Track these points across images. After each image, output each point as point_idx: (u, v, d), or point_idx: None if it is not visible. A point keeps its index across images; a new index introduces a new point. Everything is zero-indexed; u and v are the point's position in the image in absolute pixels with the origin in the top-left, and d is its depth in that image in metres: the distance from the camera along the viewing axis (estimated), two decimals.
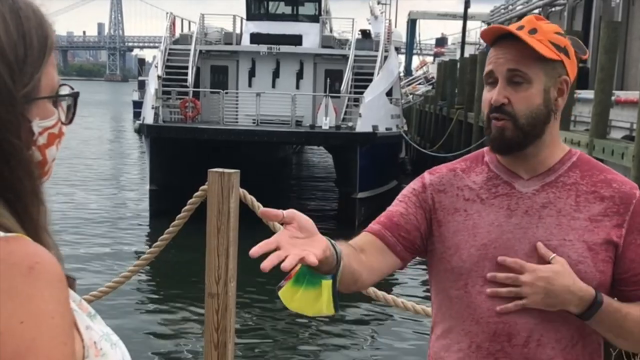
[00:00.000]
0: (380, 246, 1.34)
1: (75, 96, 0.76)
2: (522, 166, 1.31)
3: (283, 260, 1.08)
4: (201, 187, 2.60)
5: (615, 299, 1.28)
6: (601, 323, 1.24)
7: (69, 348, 0.64)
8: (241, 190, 2.57)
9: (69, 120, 0.75)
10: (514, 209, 1.30)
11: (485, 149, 1.40)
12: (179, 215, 2.75)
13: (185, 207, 2.70)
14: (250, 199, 2.64)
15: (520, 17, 23.59)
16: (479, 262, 1.29)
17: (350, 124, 14.97)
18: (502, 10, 26.52)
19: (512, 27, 1.29)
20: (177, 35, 17.69)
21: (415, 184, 1.41)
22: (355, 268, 1.26)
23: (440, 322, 1.37)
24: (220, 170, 2.51)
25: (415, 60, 47.48)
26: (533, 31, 1.27)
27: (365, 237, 1.36)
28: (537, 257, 1.26)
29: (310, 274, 1.17)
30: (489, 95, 1.30)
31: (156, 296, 9.43)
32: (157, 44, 26.78)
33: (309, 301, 1.18)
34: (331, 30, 20.21)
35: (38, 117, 0.71)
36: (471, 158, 1.41)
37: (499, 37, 1.29)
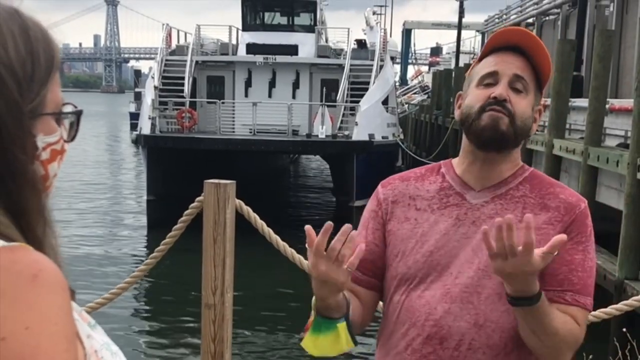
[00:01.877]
0: (358, 289, 1.39)
1: (78, 114, 0.78)
2: (477, 177, 1.34)
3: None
4: (197, 198, 2.61)
5: None
6: (529, 318, 1.22)
7: (72, 355, 0.65)
8: (237, 200, 2.58)
9: (71, 138, 0.78)
10: (462, 219, 1.32)
11: (443, 161, 1.42)
12: (175, 227, 2.75)
13: (181, 219, 2.71)
14: (247, 209, 2.65)
15: (514, 26, 23.84)
16: (423, 268, 1.32)
17: (346, 132, 15.01)
18: (497, 20, 26.65)
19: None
20: (173, 46, 17.76)
21: (371, 203, 1.43)
22: (356, 312, 1.36)
23: (383, 329, 1.40)
24: (216, 181, 2.52)
25: (411, 70, 47.69)
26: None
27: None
28: (477, 264, 1.28)
29: (324, 321, 1.28)
30: (487, 92, 1.29)
31: (153, 307, 9.40)
32: (153, 55, 26.87)
33: (329, 344, 1.29)
34: (327, 40, 20.30)
35: (42, 132, 0.73)
36: (427, 168, 1.43)
37: (506, 47, 1.31)
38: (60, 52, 0.75)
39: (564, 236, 1.14)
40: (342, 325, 1.28)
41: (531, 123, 1.32)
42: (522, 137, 1.31)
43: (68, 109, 0.77)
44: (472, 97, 1.32)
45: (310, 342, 1.30)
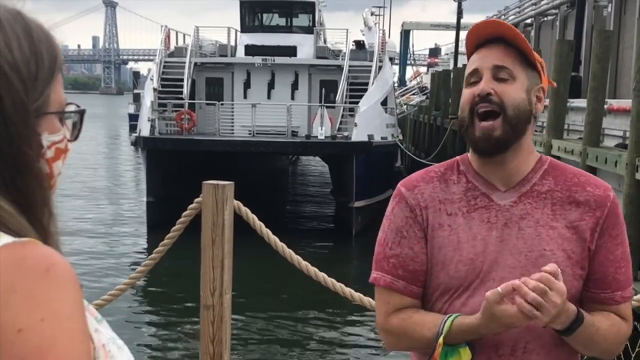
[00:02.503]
0: (414, 302, 1.36)
1: (81, 113, 0.80)
2: (498, 176, 1.32)
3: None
4: (195, 200, 2.61)
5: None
6: (577, 337, 1.26)
7: (86, 346, 0.67)
8: (235, 202, 2.58)
9: (75, 137, 0.79)
10: (494, 222, 1.31)
11: (459, 158, 1.39)
12: (173, 228, 2.76)
13: (180, 220, 2.71)
14: (245, 210, 2.65)
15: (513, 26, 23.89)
16: (467, 277, 1.30)
17: (346, 133, 15.01)
18: None
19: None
20: (172, 48, 17.76)
21: (400, 207, 1.36)
22: None
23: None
24: (215, 182, 2.52)
25: (409, 71, 47.70)
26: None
27: (403, 300, 1.36)
28: (519, 269, 1.27)
29: (450, 349, 1.28)
30: (473, 91, 1.29)
31: (152, 308, 9.40)
32: (151, 57, 26.88)
33: None
34: (325, 42, 20.31)
35: (47, 131, 0.74)
36: (445, 165, 1.40)
37: (485, 42, 1.30)
38: (62, 53, 0.77)
39: (553, 267, 1.18)
40: (464, 350, 1.28)
41: (528, 105, 1.30)
42: (522, 124, 1.29)
43: (71, 108, 0.79)
44: (462, 99, 1.33)
45: None
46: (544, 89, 1.34)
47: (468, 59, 1.34)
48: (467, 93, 1.31)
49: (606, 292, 1.32)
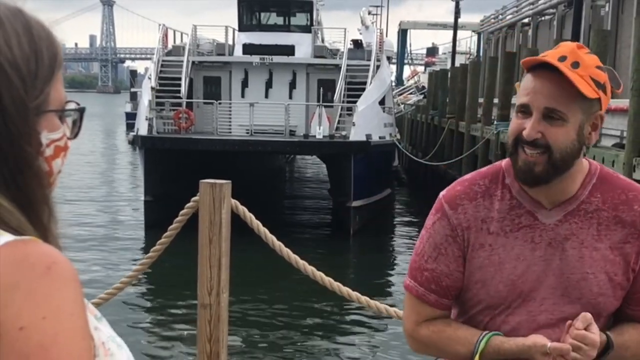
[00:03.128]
0: (445, 313, 1.40)
1: (81, 111, 0.80)
2: (544, 194, 1.30)
3: None
4: (193, 198, 2.60)
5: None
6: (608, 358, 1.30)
7: (88, 343, 0.68)
8: (233, 201, 2.58)
9: (74, 135, 0.79)
10: (537, 242, 1.30)
11: (505, 166, 1.34)
12: (170, 227, 2.75)
13: (177, 219, 2.71)
14: (242, 209, 2.65)
15: (510, 26, 23.72)
16: (508, 297, 1.31)
17: (343, 133, 15.01)
18: (492, 20, 26.73)
19: (554, 57, 1.23)
20: (169, 46, 17.73)
21: (442, 225, 1.35)
22: None
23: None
24: (212, 181, 2.52)
25: (407, 70, 47.73)
26: (575, 65, 1.22)
27: (434, 312, 1.38)
28: (561, 290, 1.29)
29: None
30: (521, 125, 1.25)
31: (149, 307, 9.39)
32: (149, 56, 26.85)
33: None
34: (323, 41, 20.31)
35: (46, 129, 0.74)
36: (490, 176, 1.35)
37: (538, 65, 1.25)
38: (62, 51, 0.77)
39: (587, 315, 1.22)
40: None
41: (578, 144, 1.26)
42: (567, 163, 1.26)
43: (71, 106, 0.78)
44: (511, 124, 1.30)
45: None
46: (603, 116, 1.29)
47: (524, 71, 1.29)
48: (515, 124, 1.27)
49: (638, 310, 1.32)
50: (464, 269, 1.34)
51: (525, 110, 1.25)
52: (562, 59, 1.23)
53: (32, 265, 0.65)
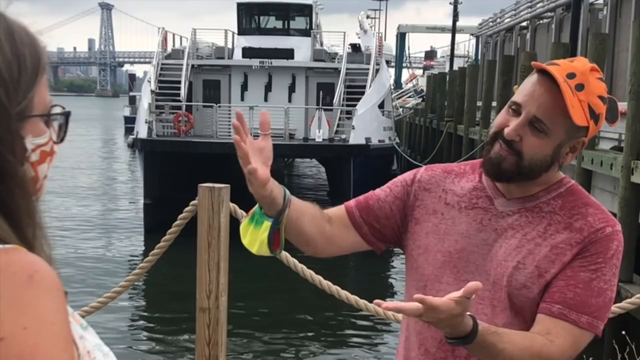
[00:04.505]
0: (346, 222, 1.42)
1: (66, 115, 0.78)
2: (509, 187, 1.32)
3: None
4: (191, 202, 2.61)
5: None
6: (471, 351, 1.22)
7: (70, 354, 0.66)
8: (231, 204, 2.58)
9: (61, 139, 0.78)
10: (485, 225, 1.32)
11: None
12: (169, 230, 2.76)
13: (176, 222, 2.71)
14: (241, 213, 2.65)
15: (508, 29, 23.76)
16: (441, 268, 1.33)
17: (343, 136, 15.03)
18: (491, 23, 26.77)
19: (563, 72, 1.23)
20: (169, 50, 17.76)
21: (407, 175, 1.44)
22: (307, 229, 1.35)
23: (404, 320, 1.42)
24: (211, 185, 2.52)
25: (405, 74, 47.79)
26: (580, 87, 1.22)
27: (338, 211, 1.45)
28: (493, 276, 1.28)
29: (260, 214, 1.30)
30: (504, 121, 1.27)
31: (148, 310, 9.38)
32: (147, 60, 26.88)
33: (254, 239, 1.30)
34: (322, 44, 20.34)
35: (31, 134, 0.73)
36: (471, 164, 1.42)
37: (545, 71, 1.25)
38: (47, 56, 0.76)
39: (478, 284, 1.10)
40: (267, 225, 1.28)
41: (550, 161, 1.26)
42: (534, 173, 1.27)
43: (56, 110, 0.77)
44: (498, 116, 1.30)
45: (243, 230, 1.32)
46: (585, 142, 1.29)
47: (522, 74, 1.30)
48: (502, 118, 1.28)
49: (546, 301, 1.25)
50: (395, 212, 1.39)
51: (516, 109, 1.27)
52: (571, 76, 1.23)
53: (14, 274, 0.64)
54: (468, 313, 1.15)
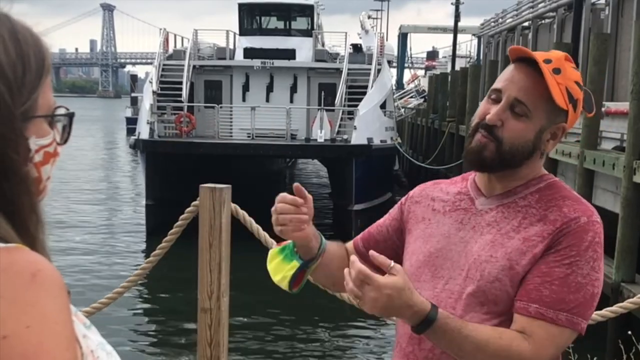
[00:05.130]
0: (353, 252, 1.49)
1: (70, 116, 0.78)
2: (488, 185, 1.34)
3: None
4: (193, 203, 2.61)
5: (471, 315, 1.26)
6: (437, 339, 1.20)
7: (73, 354, 0.66)
8: (233, 205, 2.58)
9: (64, 141, 0.78)
10: (465, 223, 1.34)
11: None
12: (170, 231, 2.76)
13: (177, 223, 2.71)
14: (242, 213, 2.65)
15: (510, 30, 23.76)
16: (420, 267, 1.35)
17: (345, 136, 15.02)
18: (492, 24, 26.74)
19: (540, 57, 1.26)
20: (170, 50, 17.77)
21: (404, 197, 1.50)
22: (335, 272, 1.39)
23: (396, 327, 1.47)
24: (212, 185, 2.52)
25: (407, 74, 47.77)
26: (557, 71, 1.25)
27: (350, 246, 1.54)
28: (466, 272, 1.28)
29: (292, 251, 1.38)
30: (487, 109, 1.28)
31: (150, 311, 9.39)
32: (149, 60, 26.93)
33: (278, 270, 1.39)
34: (323, 45, 20.33)
35: (34, 135, 0.73)
36: (463, 176, 1.45)
37: (524, 58, 1.27)
38: (51, 56, 0.76)
39: (388, 262, 1.14)
40: (295, 264, 1.37)
41: (532, 146, 1.27)
42: (516, 160, 1.28)
43: (60, 111, 0.77)
44: (479, 108, 1.32)
45: (271, 256, 1.40)
46: (565, 128, 1.30)
47: (508, 62, 1.32)
48: (482, 108, 1.30)
49: (521, 300, 1.22)
50: (392, 232, 1.46)
51: (496, 98, 1.28)
52: (547, 61, 1.26)
53: (17, 273, 0.64)
54: (430, 302, 1.17)
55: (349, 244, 1.53)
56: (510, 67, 1.30)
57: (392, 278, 1.13)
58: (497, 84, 1.29)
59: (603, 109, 9.14)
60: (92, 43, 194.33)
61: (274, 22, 19.69)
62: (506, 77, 1.28)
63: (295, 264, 1.36)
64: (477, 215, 1.33)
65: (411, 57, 47.62)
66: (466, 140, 1.34)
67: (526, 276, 1.23)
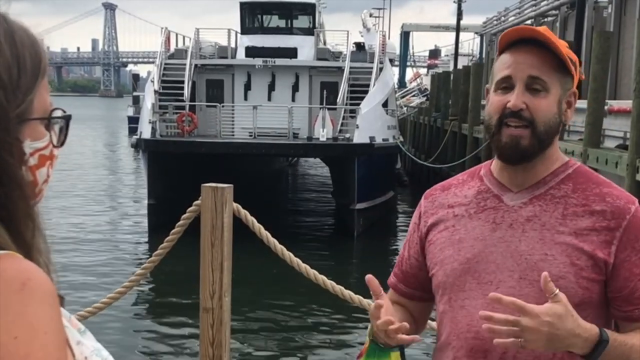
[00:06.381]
0: (403, 300, 1.46)
1: (67, 118, 0.77)
2: (514, 179, 1.29)
3: None
4: (195, 202, 2.60)
5: (614, 320, 1.26)
6: (607, 359, 1.18)
7: None
8: (235, 204, 2.57)
9: (61, 143, 0.77)
10: (499, 222, 1.28)
11: (483, 163, 1.38)
12: (172, 231, 2.75)
13: (179, 223, 2.71)
14: (244, 213, 2.65)
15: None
16: (461, 276, 1.29)
17: (347, 135, 15.01)
18: (495, 22, 26.72)
19: (534, 31, 1.25)
20: (172, 50, 17.77)
21: (415, 215, 1.44)
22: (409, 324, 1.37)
23: (437, 339, 1.39)
24: (214, 185, 2.52)
25: (409, 72, 47.74)
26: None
27: (393, 296, 1.47)
28: (518, 273, 1.24)
29: (379, 348, 1.33)
30: (503, 100, 1.24)
31: (151, 310, 9.39)
32: (151, 60, 26.94)
33: None
34: (325, 43, 20.31)
35: (30, 138, 0.72)
36: (469, 172, 1.40)
37: (519, 41, 1.25)
38: (47, 58, 0.74)
39: (545, 274, 1.12)
40: (395, 355, 1.32)
41: (558, 118, 1.26)
42: (550, 138, 1.27)
43: (57, 114, 0.76)
44: (490, 105, 1.27)
45: None
46: (576, 93, 1.29)
47: (498, 56, 1.29)
48: (496, 101, 1.25)
49: (621, 309, 1.24)
50: (420, 257, 1.40)
51: (507, 86, 1.25)
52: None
53: (7, 281, 0.62)
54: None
55: (390, 296, 1.44)
56: (507, 55, 1.26)
57: (548, 304, 1.11)
58: (503, 72, 1.25)
59: (606, 107, 9.12)
60: (94, 42, 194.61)
61: (275, 21, 19.67)
62: (509, 63, 1.25)
63: (396, 354, 1.32)
64: (510, 212, 1.28)
65: (413, 56, 47.59)
66: (491, 139, 1.28)
67: (618, 282, 1.23)
